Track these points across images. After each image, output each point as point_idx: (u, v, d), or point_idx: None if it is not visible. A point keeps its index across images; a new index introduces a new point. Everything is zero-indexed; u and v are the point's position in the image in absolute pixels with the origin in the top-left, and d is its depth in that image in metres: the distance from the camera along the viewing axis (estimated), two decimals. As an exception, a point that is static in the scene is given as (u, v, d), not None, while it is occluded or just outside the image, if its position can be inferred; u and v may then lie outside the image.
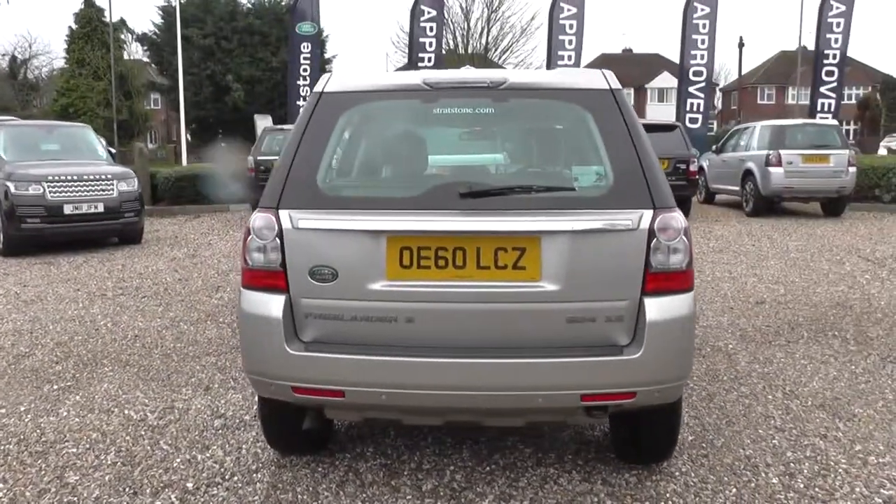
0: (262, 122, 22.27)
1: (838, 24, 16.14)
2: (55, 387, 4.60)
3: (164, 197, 15.15)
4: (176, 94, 35.35)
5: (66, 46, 33.36)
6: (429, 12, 17.44)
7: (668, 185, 2.87)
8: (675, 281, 2.78)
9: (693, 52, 16.53)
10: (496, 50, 45.18)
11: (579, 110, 2.91)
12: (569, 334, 2.73)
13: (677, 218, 2.79)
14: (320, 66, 19.34)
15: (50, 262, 9.21)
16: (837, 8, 16.10)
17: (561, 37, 17.25)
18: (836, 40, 16.18)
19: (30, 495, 3.18)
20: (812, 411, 4.18)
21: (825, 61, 16.24)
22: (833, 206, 13.37)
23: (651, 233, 2.73)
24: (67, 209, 9.55)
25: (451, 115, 2.99)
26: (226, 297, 7.14)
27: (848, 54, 16.61)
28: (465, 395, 2.70)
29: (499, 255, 2.69)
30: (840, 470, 3.46)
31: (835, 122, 14.50)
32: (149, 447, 3.65)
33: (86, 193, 9.68)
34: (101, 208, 9.80)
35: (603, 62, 54.24)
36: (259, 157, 13.31)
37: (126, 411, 4.15)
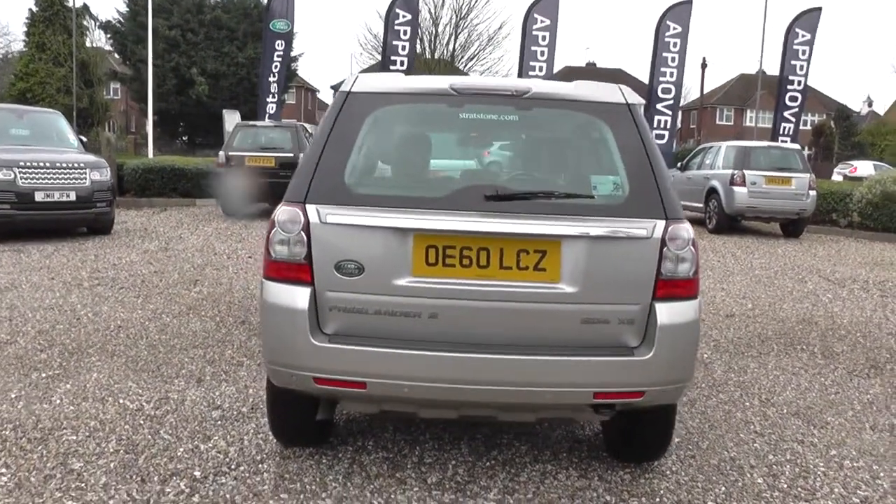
0: (231, 117, 22.05)
1: (803, 52, 16.73)
2: (43, 375, 4.55)
3: (131, 188, 14.92)
4: (138, 85, 34.78)
5: (25, 29, 32.46)
6: (403, 16, 17.52)
7: (677, 197, 3.03)
8: (683, 288, 2.94)
9: (663, 70, 16.94)
10: (463, 57, 45.46)
11: (598, 122, 3.06)
12: (583, 335, 2.87)
13: (687, 229, 2.95)
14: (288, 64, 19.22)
15: (19, 250, 9.02)
16: (803, 36, 16.70)
17: (533, 47, 17.50)
18: (801, 67, 16.76)
19: (35, 481, 3.17)
20: (788, 418, 4.39)
21: (789, 87, 16.81)
22: (793, 227, 13.85)
23: (663, 242, 2.88)
24: (39, 196, 9.37)
25: (476, 120, 3.10)
26: (204, 291, 7.11)
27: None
28: (485, 389, 2.80)
29: (521, 257, 2.81)
30: (819, 472, 3.66)
31: (797, 146, 15.03)
32: (149, 436, 3.66)
33: (58, 181, 9.52)
34: (73, 197, 9.64)
35: (567, 74, 54.88)
36: (230, 153, 13.22)
37: (121, 400, 4.14)
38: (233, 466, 3.35)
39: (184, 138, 35.07)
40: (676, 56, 17.07)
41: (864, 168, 30.59)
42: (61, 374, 4.59)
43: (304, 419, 3.36)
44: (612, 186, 2.98)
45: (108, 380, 4.49)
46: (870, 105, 61.67)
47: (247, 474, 3.28)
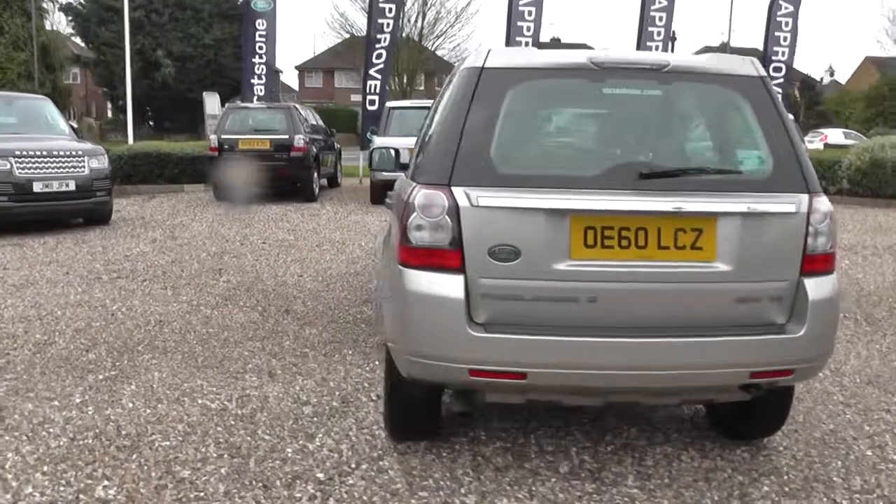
0: (211, 100, 21.45)
1: (786, 24, 16.79)
2: (100, 377, 4.31)
3: (116, 176, 14.35)
4: (102, 69, 33.66)
5: (-21, 13, 31.09)
6: (389, -6, 17.07)
7: (814, 170, 2.96)
8: (825, 262, 2.89)
9: (649, 44, 16.86)
10: (431, 35, 44.84)
11: (735, 95, 2.97)
12: (737, 314, 2.79)
13: (826, 202, 2.90)
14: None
15: (20, 244, 8.61)
16: (786, 8, 16.74)
17: (520, 23, 17.27)
18: (785, 38, 16.83)
19: (146, 493, 2.97)
20: (863, 387, 4.39)
21: (774, 58, 16.89)
22: (786, 194, 13.97)
23: (808, 216, 2.81)
24: (37, 187, 8.93)
25: (620, 95, 2.97)
26: (233, 280, 6.87)
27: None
28: (648, 374, 2.71)
29: (678, 236, 2.71)
30: (919, 441, 3.65)
31: (791, 116, 15.10)
32: (248, 438, 3.47)
33: (56, 170, 9.09)
34: (72, 186, 9.21)
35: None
36: (223, 136, 12.82)
37: (199, 400, 3.94)
38: (353, 466, 3.19)
39: (151, 123, 33.99)
40: (662, 30, 17.01)
41: (834, 136, 31.15)
42: (119, 374, 4.35)
43: (428, 412, 3.23)
44: (756, 161, 2.89)
45: (174, 379, 4.28)
46: (831, 75, 62.65)
47: (372, 473, 3.12)
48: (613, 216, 2.67)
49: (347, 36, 48.50)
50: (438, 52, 47.27)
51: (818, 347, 2.88)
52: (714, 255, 2.74)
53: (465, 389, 2.97)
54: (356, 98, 25.25)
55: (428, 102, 15.95)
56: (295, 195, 13.47)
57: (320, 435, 3.50)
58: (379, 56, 16.57)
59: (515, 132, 2.92)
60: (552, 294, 2.68)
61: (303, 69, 60.22)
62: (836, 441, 3.63)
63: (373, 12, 16.49)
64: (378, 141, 12.91)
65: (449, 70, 56.21)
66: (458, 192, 2.70)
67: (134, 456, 3.28)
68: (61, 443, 3.40)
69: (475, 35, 62.50)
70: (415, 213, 2.73)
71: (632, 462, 3.29)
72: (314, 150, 13.65)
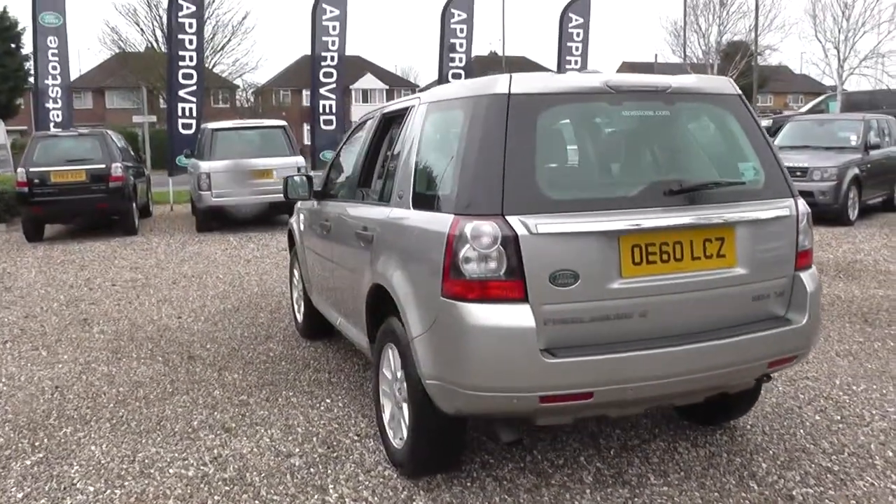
0: (-3, 128, 18.93)
1: (578, 35, 18.29)
2: (27, 462, 3.71)
3: None
4: None
5: None
6: (188, 7, 16.10)
7: None
8: (809, 257, 3.27)
9: (451, 55, 17.63)
10: (209, 49, 42.89)
11: (723, 112, 3.26)
12: (752, 311, 3.07)
13: (805, 204, 3.28)
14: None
15: None
16: (577, 20, 18.14)
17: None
18: (577, 48, 18.37)
19: (180, 581, 2.65)
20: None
21: (567, 67, 18.27)
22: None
23: (797, 217, 3.16)
24: None
25: (637, 117, 3.12)
26: (109, 331, 6.21)
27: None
28: (694, 377, 2.89)
29: (706, 246, 2.93)
30: (845, 400, 4.22)
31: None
32: (258, 502, 3.20)
33: None
34: None
35: (309, 62, 53.19)
36: (32, 169, 11.42)
37: (170, 470, 3.55)
38: (391, 512, 3.06)
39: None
40: (464, 42, 17.82)
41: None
42: (48, 456, 3.78)
43: (457, 444, 3.20)
44: (752, 171, 3.19)
45: (119, 450, 3.80)
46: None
47: (416, 517, 3.02)
48: (654, 233, 2.83)
49: (118, 51, 45.20)
50: (217, 69, 45.29)
51: (815, 333, 3.27)
52: (735, 261, 3.00)
53: (516, 417, 2.98)
54: (139, 119, 23.78)
55: (251, 123, 15.34)
56: (113, 229, 12.44)
57: (331, 486, 3.31)
58: (188, 76, 15.70)
59: (551, 157, 2.99)
60: (609, 313, 2.78)
61: (69, 89, 55.02)
62: (785, 412, 4.06)
63: (172, 28, 15.51)
64: (205, 166, 12.24)
65: (228, 86, 53.08)
66: (513, 220, 2.70)
67: (138, 545, 2.91)
68: (41, 549, 2.92)
69: (255, 49, 60.27)
70: (466, 246, 2.70)
71: (640, 462, 3.47)
72: (131, 178, 12.64)
